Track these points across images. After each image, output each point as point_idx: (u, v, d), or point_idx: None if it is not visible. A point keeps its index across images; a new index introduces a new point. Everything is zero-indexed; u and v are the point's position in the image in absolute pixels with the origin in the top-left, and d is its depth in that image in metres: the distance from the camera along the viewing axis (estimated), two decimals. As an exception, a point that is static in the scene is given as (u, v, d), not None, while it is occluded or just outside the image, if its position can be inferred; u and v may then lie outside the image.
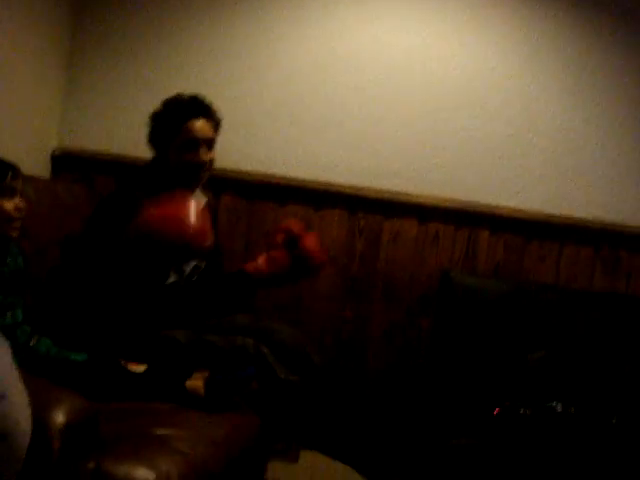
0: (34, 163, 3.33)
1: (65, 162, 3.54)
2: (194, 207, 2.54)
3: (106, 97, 3.55)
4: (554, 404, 2.83)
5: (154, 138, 2.79)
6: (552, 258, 3.43)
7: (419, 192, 3.42)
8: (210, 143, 2.75)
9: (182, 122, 2.70)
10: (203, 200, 2.83)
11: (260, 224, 3.48)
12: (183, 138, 2.69)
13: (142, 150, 3.33)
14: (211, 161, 2.76)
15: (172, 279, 2.71)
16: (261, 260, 2.78)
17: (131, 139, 3.50)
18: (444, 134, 3.42)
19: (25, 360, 2.06)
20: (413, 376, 3.40)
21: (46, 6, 3.32)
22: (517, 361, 3.08)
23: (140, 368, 2.26)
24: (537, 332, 3.15)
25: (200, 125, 2.72)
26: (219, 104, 3.46)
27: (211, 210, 2.93)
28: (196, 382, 2.27)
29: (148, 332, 2.58)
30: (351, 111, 3.45)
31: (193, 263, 2.79)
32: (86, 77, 3.57)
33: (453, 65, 3.42)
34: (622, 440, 2.75)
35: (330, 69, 3.46)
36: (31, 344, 2.23)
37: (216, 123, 2.80)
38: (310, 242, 2.80)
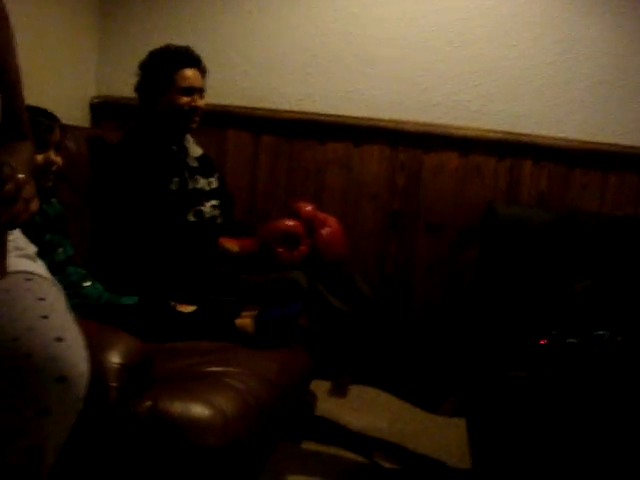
0: (74, 112, 3.36)
1: (104, 110, 3.56)
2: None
3: (141, 44, 3.52)
4: (601, 333, 2.82)
5: (145, 87, 2.92)
6: (596, 186, 3.38)
7: (459, 124, 3.39)
8: (201, 91, 2.93)
9: (175, 70, 2.86)
10: (199, 151, 3.01)
11: (300, 162, 3.48)
12: (179, 85, 2.85)
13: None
14: (202, 108, 2.92)
15: (192, 218, 2.84)
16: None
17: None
18: (483, 64, 3.37)
19: (78, 304, 2.11)
20: (459, 309, 3.41)
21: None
22: (563, 290, 3.06)
23: (189, 308, 2.29)
24: (583, 261, 3.13)
25: (193, 73, 2.89)
26: (254, 44, 3.47)
27: (210, 160, 3.08)
28: (245, 320, 2.30)
29: (196, 271, 2.63)
30: (389, 44, 3.41)
31: (211, 203, 2.92)
32: (120, 25, 3.57)
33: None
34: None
35: (365, 3, 3.41)
36: (86, 285, 2.28)
37: (204, 73, 2.96)
38: (327, 236, 2.88)
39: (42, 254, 1.60)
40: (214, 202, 2.95)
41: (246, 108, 3.51)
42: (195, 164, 2.96)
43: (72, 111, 3.33)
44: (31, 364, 1.21)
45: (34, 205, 1.31)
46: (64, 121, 2.40)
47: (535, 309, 3.04)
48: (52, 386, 1.22)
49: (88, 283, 2.30)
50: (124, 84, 3.47)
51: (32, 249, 1.55)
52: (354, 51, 3.43)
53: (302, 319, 2.46)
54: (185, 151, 2.96)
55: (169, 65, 2.87)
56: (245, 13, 3.50)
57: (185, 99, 2.86)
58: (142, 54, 3.48)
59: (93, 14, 3.52)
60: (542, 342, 2.84)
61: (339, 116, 3.42)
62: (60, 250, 2.26)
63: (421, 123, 3.40)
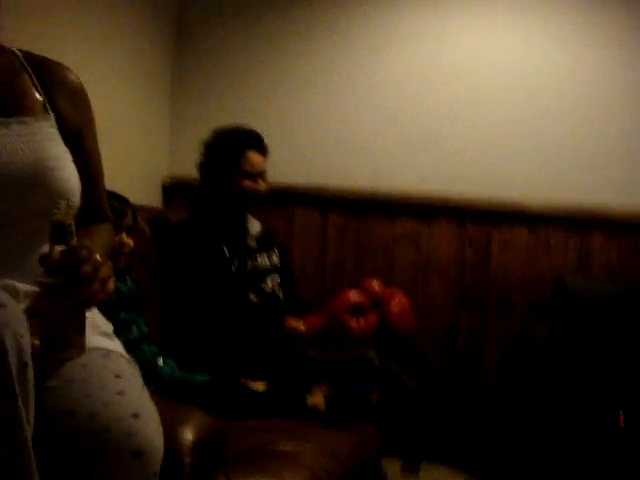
0: (147, 192, 3.44)
1: (176, 190, 3.65)
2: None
3: (211, 125, 3.62)
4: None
5: (209, 167, 2.95)
6: (670, 258, 3.32)
7: (528, 198, 3.37)
8: (264, 175, 2.95)
9: (241, 153, 2.89)
10: (258, 227, 3.03)
11: (369, 239, 3.50)
12: (244, 169, 2.88)
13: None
14: (264, 192, 2.95)
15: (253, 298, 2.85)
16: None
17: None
18: (551, 138, 3.36)
19: (152, 380, 2.13)
20: (531, 385, 3.34)
21: (147, 41, 3.45)
22: (636, 366, 2.99)
23: (261, 386, 2.30)
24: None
25: (258, 157, 2.92)
26: (321, 123, 3.54)
27: (269, 235, 3.10)
28: (317, 397, 2.29)
29: (264, 349, 2.64)
30: (454, 121, 3.44)
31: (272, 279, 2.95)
32: (190, 107, 3.68)
33: (558, 66, 3.35)
34: None
35: (432, 81, 3.46)
36: (159, 363, 2.31)
37: (267, 155, 2.98)
38: (395, 308, 2.89)
39: (117, 332, 1.63)
40: (275, 278, 2.97)
41: (313, 186, 3.55)
42: (254, 243, 2.98)
43: (145, 191, 3.43)
44: (108, 439, 1.23)
45: (110, 285, 1.34)
46: (137, 201, 2.49)
47: (609, 384, 2.97)
48: (128, 461, 1.23)
49: (161, 361, 2.33)
50: (194, 164, 3.59)
51: (109, 327, 1.59)
52: (421, 129, 3.46)
53: (373, 396, 2.44)
54: (245, 231, 2.98)
55: (235, 148, 2.90)
56: (313, 94, 3.57)
57: (249, 183, 2.89)
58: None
59: (164, 98, 3.64)
60: (617, 417, 2.77)
61: (406, 193, 3.44)
62: (134, 328, 2.31)
63: (489, 198, 3.40)
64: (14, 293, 1.37)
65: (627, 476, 2.67)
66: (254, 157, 2.90)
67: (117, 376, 1.37)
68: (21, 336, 1.16)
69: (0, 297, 1.16)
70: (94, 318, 1.53)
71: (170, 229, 2.90)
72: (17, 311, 1.19)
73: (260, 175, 2.92)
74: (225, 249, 2.80)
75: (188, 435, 1.59)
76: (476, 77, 3.42)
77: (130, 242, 2.35)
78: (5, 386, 1.13)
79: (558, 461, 2.91)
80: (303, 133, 3.59)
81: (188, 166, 3.58)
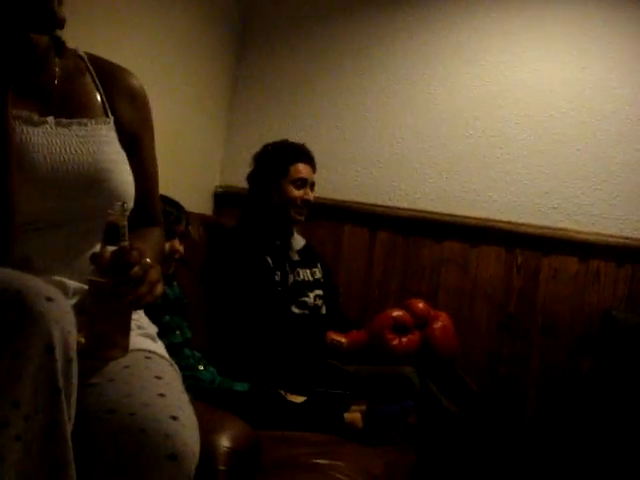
0: (198, 200, 3.48)
1: (226, 199, 3.68)
2: None
3: (265, 136, 3.66)
4: None
5: (258, 176, 3.03)
6: None
7: (579, 228, 3.34)
8: (313, 185, 3.02)
9: (290, 162, 2.97)
10: (302, 242, 3.06)
11: (416, 260, 3.49)
12: (292, 176, 2.95)
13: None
14: (312, 202, 3.00)
15: (296, 310, 2.88)
16: None
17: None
18: (606, 168, 3.33)
19: (192, 385, 2.15)
20: (574, 419, 3.29)
21: (209, 49, 3.49)
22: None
23: (299, 399, 2.31)
24: None
25: (306, 167, 3.00)
26: (374, 141, 3.55)
27: (313, 249, 3.14)
28: (354, 414, 2.29)
29: (305, 362, 2.65)
30: (508, 145, 3.42)
31: (315, 293, 2.96)
32: (246, 116, 3.72)
33: (611, 96, 3.33)
34: None
35: (486, 105, 3.45)
36: (200, 368, 2.33)
37: (315, 169, 3.05)
38: (439, 331, 2.87)
39: (161, 335, 1.65)
40: (318, 292, 2.99)
41: (364, 204, 3.56)
42: (297, 257, 3.00)
43: (197, 199, 3.46)
44: (145, 440, 1.24)
45: (158, 289, 1.36)
46: (188, 208, 2.52)
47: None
48: (164, 463, 1.24)
49: (202, 367, 2.35)
50: (245, 174, 3.63)
51: (153, 329, 1.61)
52: (473, 152, 3.45)
53: (412, 417, 2.43)
54: (289, 244, 3.01)
55: (284, 157, 2.98)
56: (366, 112, 3.59)
57: (297, 192, 2.94)
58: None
59: (222, 109, 3.68)
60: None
61: (456, 215, 3.43)
62: (178, 332, 2.33)
63: (540, 226, 3.37)
64: (64, 289, 1.40)
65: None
66: (302, 166, 2.98)
67: (158, 378, 1.38)
68: (68, 332, 1.18)
69: (50, 292, 1.18)
70: (139, 320, 1.56)
71: (219, 236, 2.94)
72: (66, 307, 1.21)
73: (309, 184, 2.99)
74: (269, 259, 2.83)
75: (224, 442, 1.61)
76: (532, 101, 3.41)
77: (181, 248, 2.39)
78: (50, 380, 1.15)
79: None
80: (355, 151, 3.60)
81: (239, 176, 3.64)
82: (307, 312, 2.89)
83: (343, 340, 2.80)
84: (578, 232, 3.34)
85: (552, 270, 3.37)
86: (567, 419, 3.29)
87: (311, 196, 2.99)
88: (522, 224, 3.39)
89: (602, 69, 3.34)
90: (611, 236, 3.31)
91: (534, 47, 3.41)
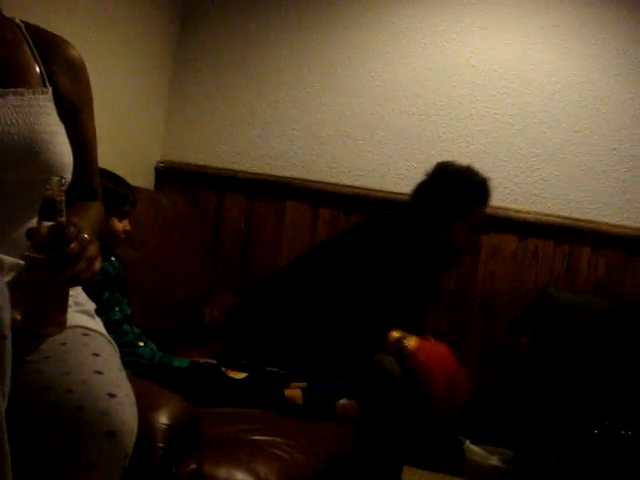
0: (139, 175, 3.44)
1: (168, 174, 3.65)
2: None
3: (208, 112, 3.64)
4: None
5: (433, 205, 2.70)
6: (656, 275, 3.33)
7: (519, 207, 3.38)
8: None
9: (476, 205, 2.71)
10: None
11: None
12: (473, 221, 2.70)
13: (240, 163, 3.44)
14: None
15: None
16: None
17: (231, 152, 3.60)
18: (545, 149, 3.37)
19: (132, 362, 2.14)
20: (511, 393, 3.35)
21: (151, 25, 3.44)
22: (618, 380, 3.00)
23: (240, 375, 2.30)
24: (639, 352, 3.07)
25: (486, 212, 2.76)
26: (316, 118, 3.54)
27: None
28: (295, 391, 2.29)
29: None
30: (450, 124, 3.44)
31: None
32: (188, 93, 3.68)
33: (553, 78, 3.37)
34: None
35: (429, 83, 3.46)
36: (140, 344, 2.31)
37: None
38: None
39: (100, 312, 1.63)
40: None
41: (305, 180, 3.55)
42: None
43: (138, 174, 3.42)
44: (82, 417, 1.23)
45: (97, 265, 1.34)
46: (130, 182, 2.49)
47: (588, 398, 2.98)
48: (101, 440, 1.23)
49: (142, 343, 2.33)
50: (187, 150, 3.60)
51: (91, 306, 1.59)
52: (415, 130, 3.46)
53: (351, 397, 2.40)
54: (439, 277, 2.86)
55: (479, 197, 2.71)
56: (307, 88, 3.58)
57: (473, 236, 2.72)
58: (208, 121, 3.61)
59: (164, 83, 3.63)
60: (595, 432, 2.79)
61: (398, 193, 3.43)
62: (117, 309, 2.31)
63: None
64: (-2, 265, 1.37)
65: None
66: (484, 210, 2.74)
67: (96, 355, 1.37)
68: (2, 309, 1.16)
69: (-17, 269, 1.16)
70: (77, 296, 1.53)
71: (391, 234, 2.67)
72: (0, 283, 1.19)
73: (482, 229, 2.77)
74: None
75: (162, 419, 1.60)
76: (475, 80, 3.43)
77: (129, 227, 2.39)
78: (-17, 357, 1.13)
79: (528, 471, 2.93)
80: (298, 127, 3.58)
81: (181, 151, 3.62)
82: None
83: (411, 343, 2.51)
84: (517, 211, 3.38)
85: (491, 248, 3.41)
86: (505, 395, 3.35)
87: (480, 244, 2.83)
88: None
89: (545, 51, 3.37)
90: (549, 215, 3.36)
91: (479, 27, 3.42)
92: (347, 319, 2.53)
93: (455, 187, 2.68)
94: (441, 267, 2.79)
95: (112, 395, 1.28)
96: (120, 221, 2.34)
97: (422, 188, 2.76)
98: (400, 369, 2.43)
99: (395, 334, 2.50)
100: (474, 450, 3.16)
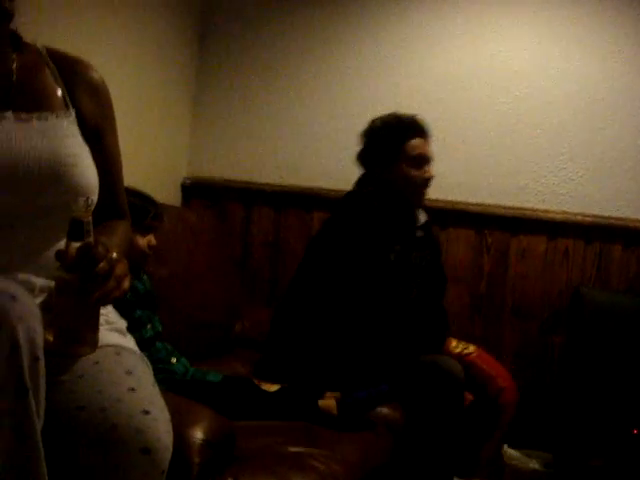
0: (166, 192, 3.46)
1: (194, 190, 3.67)
2: None
3: (231, 127, 3.66)
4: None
5: (372, 155, 2.81)
6: (690, 271, 3.29)
7: (547, 207, 3.36)
8: (431, 161, 2.81)
9: (409, 139, 2.75)
10: (424, 218, 2.88)
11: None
12: (412, 154, 2.75)
13: (267, 176, 3.45)
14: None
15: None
16: None
17: (256, 166, 3.62)
18: (571, 148, 3.35)
19: (165, 378, 2.15)
20: (547, 395, 3.32)
21: (170, 41, 3.46)
22: (656, 378, 2.97)
23: (273, 387, 2.30)
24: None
25: (424, 143, 2.79)
26: (344, 126, 3.54)
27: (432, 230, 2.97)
28: (329, 401, 2.29)
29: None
30: (473, 128, 3.43)
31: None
32: (212, 107, 3.70)
33: (574, 76, 3.34)
34: None
35: (450, 88, 3.45)
36: (173, 361, 2.32)
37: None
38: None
39: (131, 330, 1.64)
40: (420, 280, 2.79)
41: (331, 190, 3.55)
42: (420, 234, 2.84)
43: (165, 191, 3.44)
44: (117, 435, 1.24)
45: (126, 283, 1.35)
46: (157, 199, 2.50)
47: (626, 397, 2.95)
48: (136, 457, 1.24)
49: (175, 359, 2.34)
50: (212, 165, 3.62)
51: (122, 324, 1.60)
52: (439, 135, 3.41)
53: (391, 403, 2.40)
54: (414, 221, 2.83)
55: (402, 133, 2.76)
56: (330, 99, 3.58)
57: (418, 169, 2.75)
58: (232, 136, 3.63)
59: (187, 99, 3.66)
60: (635, 431, 2.76)
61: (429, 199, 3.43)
62: (149, 326, 2.32)
63: (508, 207, 3.39)
64: (30, 287, 1.39)
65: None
66: (421, 142, 2.78)
67: (128, 373, 1.38)
68: (34, 330, 1.17)
69: (15, 291, 1.17)
70: (108, 315, 1.55)
71: (336, 211, 2.79)
72: (32, 305, 1.20)
73: (428, 161, 2.79)
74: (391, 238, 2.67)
75: (198, 434, 1.60)
76: (496, 82, 3.42)
77: (155, 242, 2.40)
78: (17, 380, 1.14)
79: (569, 473, 2.90)
80: (322, 135, 3.59)
81: (206, 167, 3.64)
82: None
83: (472, 349, 2.61)
84: (546, 211, 3.36)
85: (521, 250, 3.39)
86: (542, 397, 3.32)
87: (432, 172, 2.78)
88: (490, 205, 3.40)
89: (567, 49, 3.35)
90: (578, 214, 3.33)
91: (497, 29, 3.42)
92: (356, 310, 2.54)
93: (383, 131, 2.78)
94: (405, 211, 2.78)
95: (146, 412, 1.28)
96: (144, 236, 2.34)
97: (360, 149, 2.84)
98: (464, 371, 2.46)
99: (454, 342, 2.59)
100: (513, 454, 3.13)
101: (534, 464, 3.10)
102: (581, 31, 3.34)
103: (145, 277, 2.42)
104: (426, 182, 2.77)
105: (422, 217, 2.86)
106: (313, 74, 3.61)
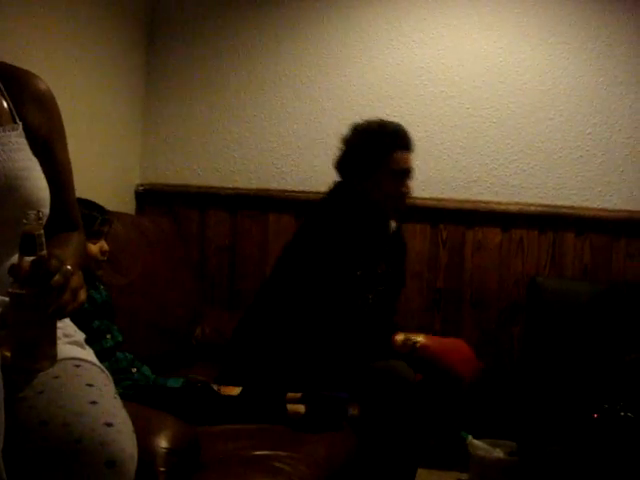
0: (119, 200, 3.43)
1: (148, 197, 3.64)
2: None
3: (183, 131, 3.64)
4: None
5: (352, 164, 2.70)
6: (641, 256, 3.35)
7: (500, 199, 3.40)
8: (411, 174, 2.73)
9: (394, 151, 2.65)
10: (394, 224, 2.84)
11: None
12: (395, 168, 2.65)
13: (220, 179, 3.43)
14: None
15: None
16: None
17: (210, 169, 3.60)
18: (521, 139, 3.39)
19: (127, 386, 2.13)
20: (508, 384, 3.35)
21: (118, 46, 3.42)
22: (613, 363, 3.01)
23: (235, 391, 2.30)
24: (632, 333, 3.08)
25: (408, 156, 2.69)
26: (292, 128, 3.53)
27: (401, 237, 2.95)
28: (297, 406, 2.28)
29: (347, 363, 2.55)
30: (424, 123, 3.45)
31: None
32: (162, 113, 3.67)
33: (523, 68, 3.40)
34: None
35: (400, 84, 3.47)
36: (133, 371, 2.30)
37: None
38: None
39: (91, 340, 1.63)
40: (380, 288, 2.76)
41: (285, 191, 3.56)
42: (390, 243, 2.81)
43: (119, 198, 3.41)
44: (81, 449, 1.22)
45: (82, 295, 1.34)
46: (111, 209, 2.48)
47: (585, 382, 2.99)
48: (102, 471, 1.23)
49: (135, 369, 2.32)
50: (166, 171, 3.59)
51: (81, 336, 1.58)
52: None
53: (355, 408, 2.41)
54: (387, 231, 2.80)
55: (385, 145, 2.65)
56: (282, 100, 3.58)
57: (399, 183, 2.66)
58: (185, 140, 3.60)
59: (135, 106, 3.62)
60: (595, 415, 2.79)
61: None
62: (109, 336, 2.30)
63: (462, 200, 3.42)
64: (-17, 304, 1.37)
65: (603, 472, 2.69)
66: (404, 155, 2.67)
67: (89, 385, 1.37)
68: (-10, 348, 1.16)
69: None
70: (65, 328, 1.53)
71: (309, 218, 2.76)
72: (-15, 322, 1.18)
73: (409, 174, 2.71)
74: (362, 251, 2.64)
75: (162, 443, 1.59)
76: (445, 77, 3.45)
77: (107, 248, 2.37)
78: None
79: (532, 460, 2.93)
80: (274, 139, 3.58)
81: (160, 173, 3.61)
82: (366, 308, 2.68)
83: (420, 339, 2.57)
84: (499, 203, 3.40)
85: (476, 242, 3.43)
86: (503, 387, 3.35)
87: (411, 187, 2.71)
88: (444, 199, 3.43)
89: (513, 42, 3.40)
90: (531, 204, 3.38)
91: (445, 24, 3.45)
92: (317, 316, 2.54)
93: (365, 141, 2.67)
94: (380, 224, 2.73)
95: (109, 424, 1.27)
96: (95, 243, 2.31)
97: (339, 156, 2.74)
98: (413, 372, 2.46)
99: (400, 337, 2.55)
100: (477, 445, 3.16)
101: (498, 452, 3.13)
102: (528, 23, 3.39)
103: (102, 287, 2.40)
104: (405, 197, 2.71)
105: (393, 223, 2.83)
106: (262, 75, 3.59)
